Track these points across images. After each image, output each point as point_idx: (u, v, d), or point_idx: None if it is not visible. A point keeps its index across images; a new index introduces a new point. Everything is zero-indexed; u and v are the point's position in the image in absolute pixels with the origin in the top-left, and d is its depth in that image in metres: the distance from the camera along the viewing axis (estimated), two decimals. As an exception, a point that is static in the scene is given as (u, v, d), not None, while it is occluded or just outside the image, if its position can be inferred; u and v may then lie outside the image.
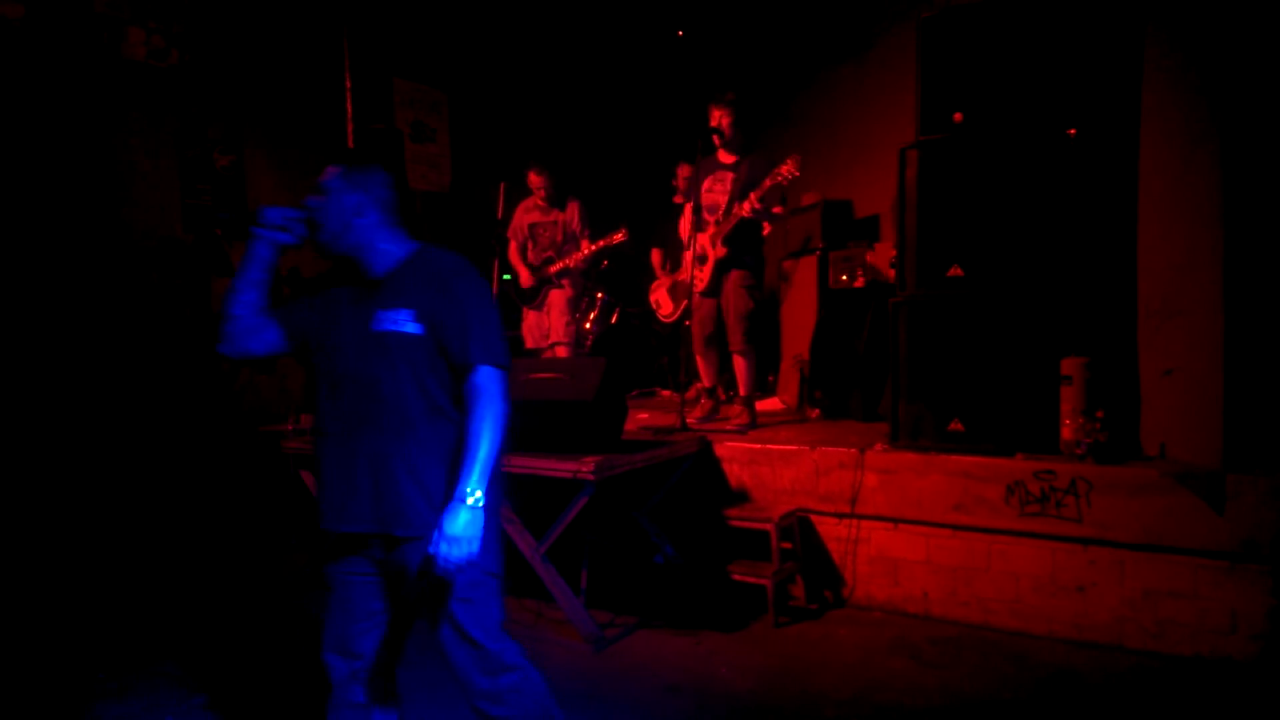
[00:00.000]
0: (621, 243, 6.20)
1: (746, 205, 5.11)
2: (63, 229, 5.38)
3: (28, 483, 5.02)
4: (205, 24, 6.21)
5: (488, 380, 2.30)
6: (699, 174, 5.49)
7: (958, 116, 4.31)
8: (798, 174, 4.98)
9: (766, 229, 5.45)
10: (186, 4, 6.09)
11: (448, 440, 2.33)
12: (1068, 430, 4.04)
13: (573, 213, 6.39)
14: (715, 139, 5.35)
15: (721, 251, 5.31)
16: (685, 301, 6.19)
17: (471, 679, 2.36)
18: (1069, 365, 4.06)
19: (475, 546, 2.21)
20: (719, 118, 5.33)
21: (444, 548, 2.19)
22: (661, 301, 6.36)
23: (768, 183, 5.04)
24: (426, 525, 2.27)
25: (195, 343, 6.13)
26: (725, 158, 5.44)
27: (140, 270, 5.81)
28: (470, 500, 2.21)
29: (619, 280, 7.32)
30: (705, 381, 5.65)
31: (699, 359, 5.63)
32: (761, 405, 5.64)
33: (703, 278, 5.40)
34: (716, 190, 5.42)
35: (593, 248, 6.23)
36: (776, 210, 5.26)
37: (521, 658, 2.42)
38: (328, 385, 2.38)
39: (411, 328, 2.30)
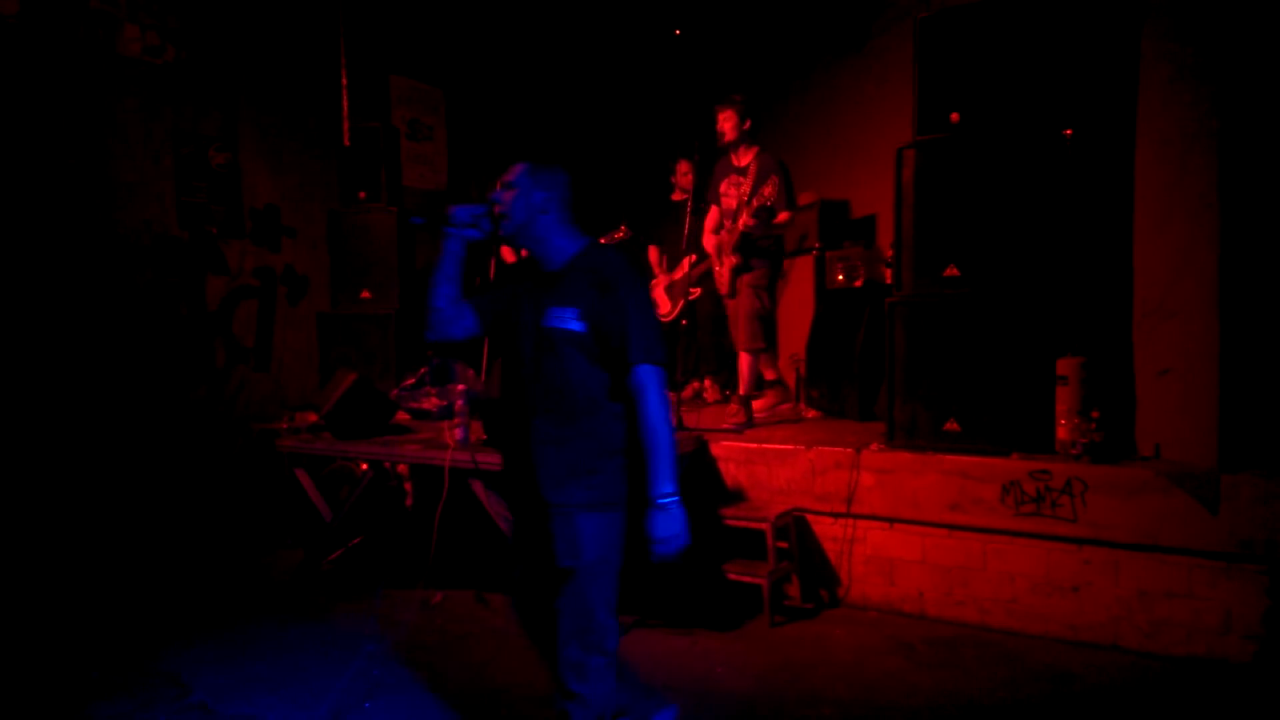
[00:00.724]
0: (623, 239, 6.19)
1: (741, 222, 5.24)
2: (57, 226, 5.36)
3: (21, 481, 5.00)
4: (201, 20, 6.18)
5: (649, 378, 2.44)
6: (718, 177, 5.62)
7: (955, 117, 4.31)
8: (769, 203, 5.09)
9: (776, 230, 5.51)
10: (182, 0, 6.07)
11: (605, 428, 2.51)
12: (1063, 430, 4.04)
13: None
14: (721, 141, 5.44)
15: (735, 259, 5.38)
16: (683, 301, 6.20)
17: (569, 647, 2.48)
18: (1065, 365, 4.07)
19: (684, 539, 2.41)
20: (724, 120, 5.40)
21: (658, 549, 2.39)
22: (659, 300, 6.37)
23: (755, 203, 5.15)
24: (571, 499, 2.47)
25: (190, 340, 6.12)
26: (738, 160, 5.52)
27: (135, 267, 5.79)
28: (663, 502, 2.39)
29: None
30: (741, 389, 5.56)
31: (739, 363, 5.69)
32: (757, 404, 5.64)
33: (723, 282, 5.48)
34: (731, 195, 5.52)
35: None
36: (781, 218, 5.28)
37: (615, 649, 2.54)
38: (510, 370, 2.63)
39: (575, 325, 2.46)
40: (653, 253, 6.70)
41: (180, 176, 6.09)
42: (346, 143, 6.90)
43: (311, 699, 3.45)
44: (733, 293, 5.50)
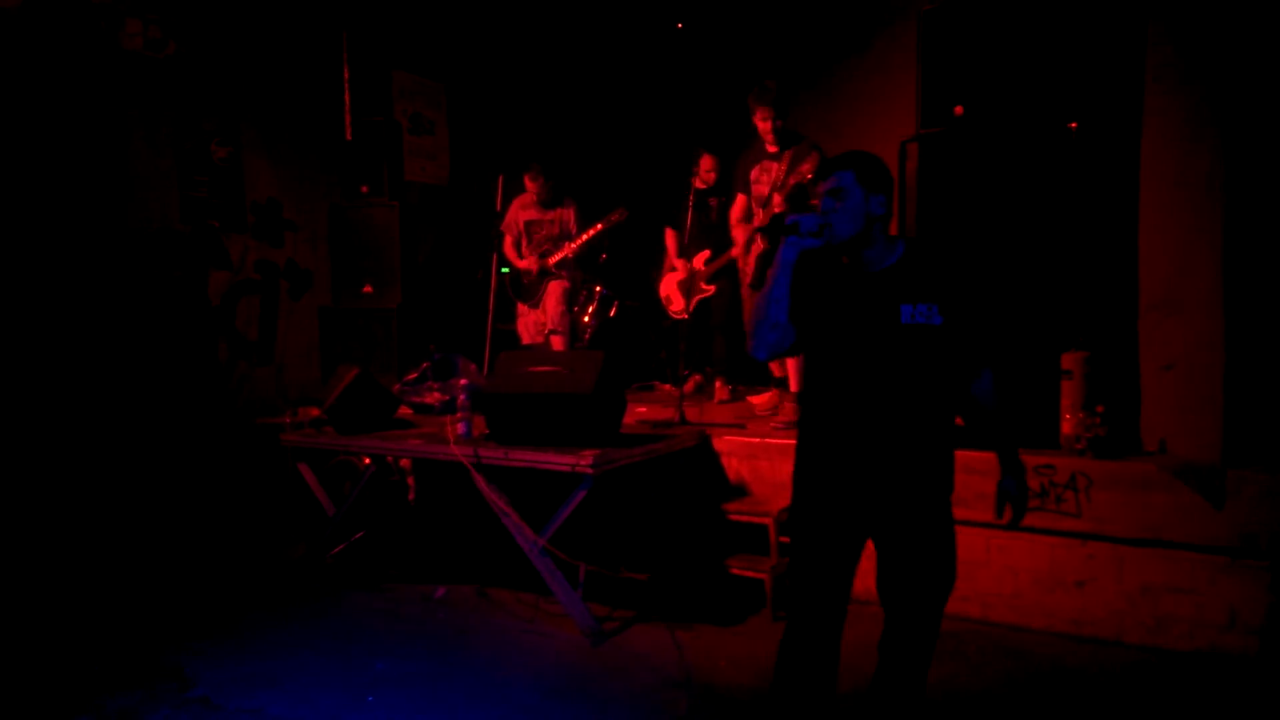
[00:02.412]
0: (618, 222, 6.17)
1: (775, 203, 5.06)
2: (59, 220, 5.36)
3: (24, 475, 5.01)
4: (203, 15, 6.17)
5: (996, 379, 2.52)
6: (749, 164, 5.39)
7: (958, 110, 4.29)
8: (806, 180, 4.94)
9: None
10: (184, -6, 6.07)
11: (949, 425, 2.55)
12: (1068, 425, 4.03)
13: (569, 214, 6.39)
14: (760, 134, 5.25)
15: (762, 245, 5.27)
16: (697, 298, 6.12)
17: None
18: (1069, 360, 4.05)
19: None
20: (760, 115, 5.16)
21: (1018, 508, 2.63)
22: (672, 297, 6.28)
23: (792, 180, 4.99)
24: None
25: (192, 334, 6.12)
26: (771, 147, 5.29)
27: (137, 261, 5.79)
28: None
29: (620, 272, 7.28)
30: (791, 385, 5.28)
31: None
32: (759, 399, 5.63)
33: (748, 270, 5.34)
34: (763, 181, 5.31)
35: (593, 230, 6.20)
36: (814, 203, 5.18)
37: None
38: (833, 374, 2.52)
39: (936, 319, 2.40)
40: (669, 236, 6.52)
41: (182, 171, 6.08)
42: (349, 137, 6.90)
43: (314, 693, 3.46)
44: (758, 283, 5.34)
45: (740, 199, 5.50)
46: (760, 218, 5.32)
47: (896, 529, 2.55)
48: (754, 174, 5.37)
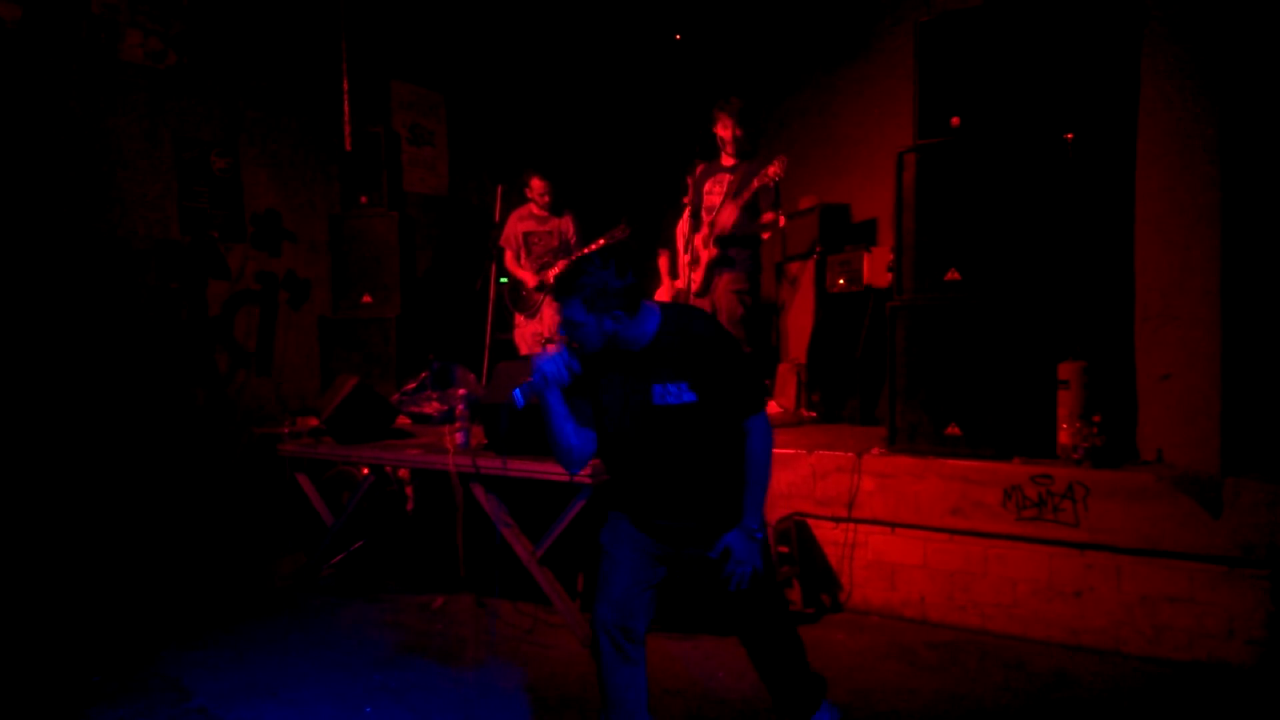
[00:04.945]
0: (622, 238, 6.18)
1: (724, 214, 5.24)
2: (59, 230, 5.37)
3: (23, 485, 5.00)
4: (203, 26, 6.20)
5: (758, 423, 2.68)
6: (703, 176, 5.60)
7: (955, 120, 4.31)
8: (783, 175, 5.05)
9: (765, 235, 5.50)
10: (184, 6, 6.08)
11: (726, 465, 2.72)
12: (1065, 434, 4.03)
13: (568, 225, 6.40)
14: (720, 144, 5.44)
15: (713, 252, 5.36)
16: None
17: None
18: (1066, 369, 4.06)
19: (759, 563, 2.67)
20: (722, 124, 5.40)
21: (741, 568, 2.64)
22: None
23: (755, 183, 5.08)
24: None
25: (190, 344, 6.12)
26: (728, 160, 5.53)
27: (136, 272, 5.80)
28: (753, 532, 2.67)
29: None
30: None
31: None
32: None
33: (696, 279, 5.43)
34: (715, 192, 5.51)
35: (594, 246, 6.21)
36: (766, 218, 5.31)
37: None
38: (621, 447, 2.73)
39: (689, 396, 2.59)
40: (663, 260, 6.60)
41: (182, 181, 6.10)
42: (348, 147, 6.91)
43: (312, 704, 3.45)
44: (704, 290, 5.46)
45: (686, 213, 5.69)
46: (705, 229, 5.48)
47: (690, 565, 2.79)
48: (708, 185, 5.57)
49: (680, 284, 6.15)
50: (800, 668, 2.94)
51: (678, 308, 2.76)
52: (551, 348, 6.28)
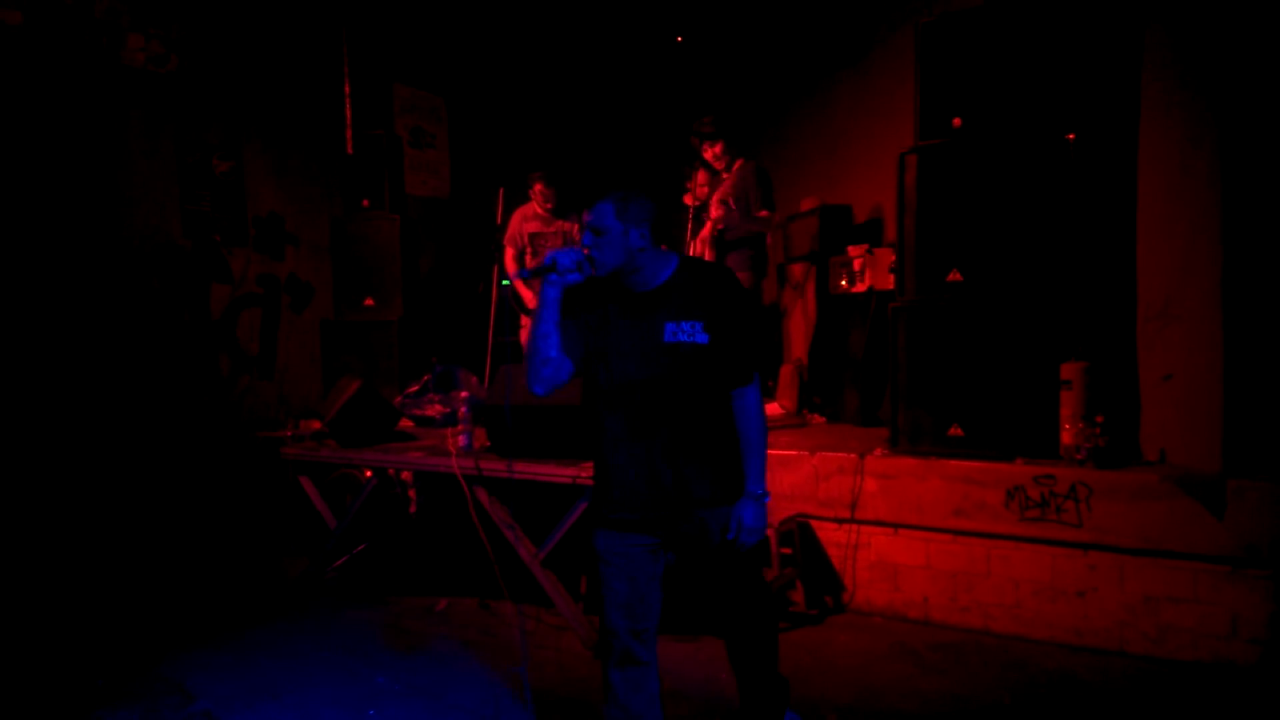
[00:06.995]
0: None
1: (713, 213, 5.53)
2: (62, 234, 5.38)
3: (26, 489, 5.01)
4: (204, 30, 6.21)
5: (755, 383, 2.62)
6: (702, 179, 5.95)
7: (957, 121, 4.31)
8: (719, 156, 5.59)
9: (769, 238, 5.70)
10: (186, 9, 6.09)
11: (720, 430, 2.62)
12: (1067, 435, 4.03)
13: (572, 227, 6.40)
14: (714, 160, 5.79)
15: (713, 254, 5.46)
16: None
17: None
18: (1069, 370, 4.06)
19: (764, 529, 2.62)
20: (705, 149, 5.75)
21: (749, 537, 2.58)
22: None
23: (716, 196, 5.49)
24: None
25: (194, 348, 6.13)
26: (720, 165, 5.85)
27: (139, 276, 5.81)
28: (760, 497, 2.61)
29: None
30: None
31: None
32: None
33: None
34: (714, 194, 5.77)
35: None
36: (762, 215, 5.49)
37: None
38: (611, 393, 2.58)
39: (701, 337, 2.50)
40: None
41: (184, 185, 6.11)
42: (350, 150, 6.93)
43: (316, 707, 3.45)
44: None
45: (689, 213, 5.97)
46: (706, 229, 5.72)
47: (687, 540, 2.69)
48: (707, 188, 5.95)
49: None
50: (774, 671, 2.93)
51: (696, 259, 2.73)
52: None
